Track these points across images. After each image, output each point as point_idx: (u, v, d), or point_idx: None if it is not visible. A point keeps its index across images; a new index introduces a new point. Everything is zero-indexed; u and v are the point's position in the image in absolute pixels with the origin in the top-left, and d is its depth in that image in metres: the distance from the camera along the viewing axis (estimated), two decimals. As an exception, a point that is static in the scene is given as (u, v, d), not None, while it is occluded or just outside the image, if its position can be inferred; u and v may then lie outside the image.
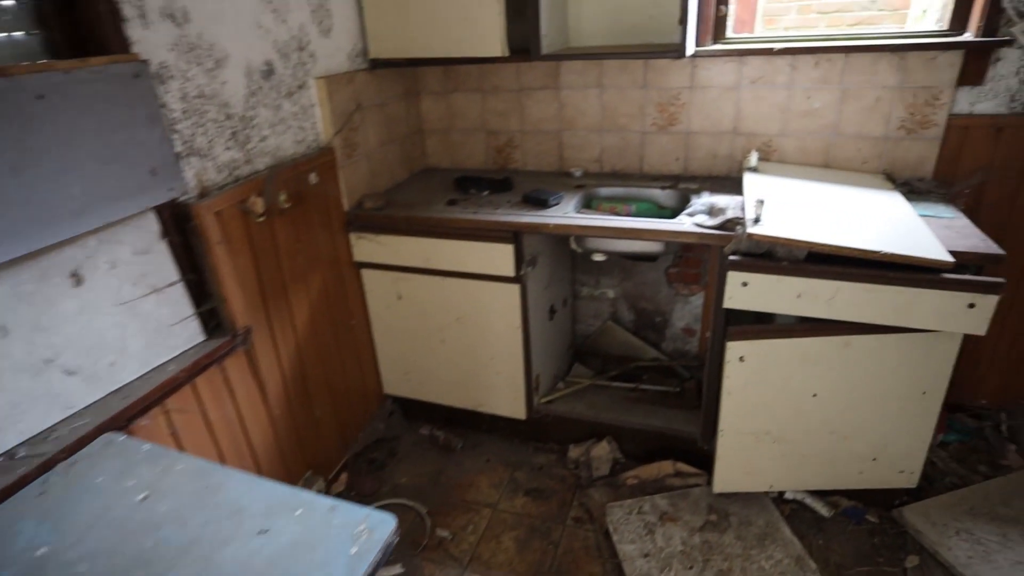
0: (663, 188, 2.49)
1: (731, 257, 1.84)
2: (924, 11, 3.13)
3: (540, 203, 2.31)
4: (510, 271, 2.25)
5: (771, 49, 2.28)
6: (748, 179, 2.25)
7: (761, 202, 1.82)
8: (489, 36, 2.11)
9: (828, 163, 2.42)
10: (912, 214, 1.98)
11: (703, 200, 2.15)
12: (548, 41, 2.29)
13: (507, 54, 2.11)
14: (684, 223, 2.05)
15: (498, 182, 2.59)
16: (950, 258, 1.64)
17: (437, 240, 2.32)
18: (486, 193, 2.53)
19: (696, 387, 2.84)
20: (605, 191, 2.55)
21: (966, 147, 2.25)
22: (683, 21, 2.04)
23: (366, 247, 2.45)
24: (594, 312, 3.09)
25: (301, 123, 2.20)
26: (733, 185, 2.43)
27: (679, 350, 3.02)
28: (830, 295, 1.77)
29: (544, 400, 2.64)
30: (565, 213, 2.23)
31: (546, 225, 2.13)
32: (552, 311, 2.67)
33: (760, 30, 4.16)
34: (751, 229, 1.78)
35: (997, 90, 2.17)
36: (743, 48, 2.33)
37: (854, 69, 2.26)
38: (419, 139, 2.95)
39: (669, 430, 2.43)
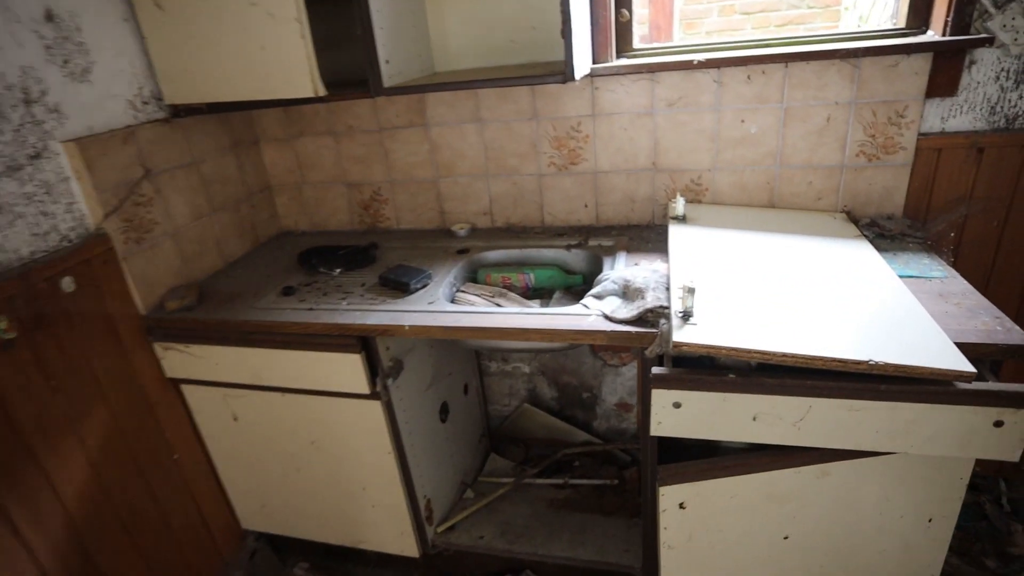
0: (569, 247, 1.92)
1: (655, 369, 1.27)
2: (858, 8, 2.69)
3: (400, 287, 1.71)
4: (363, 387, 1.64)
5: (690, 62, 1.74)
6: (674, 235, 1.70)
7: (691, 290, 1.26)
8: (296, 72, 1.50)
9: (773, 202, 1.90)
10: (891, 277, 1.46)
11: (616, 274, 1.58)
12: (396, 69, 1.69)
13: (321, 93, 1.50)
14: (590, 313, 1.47)
15: (358, 253, 1.98)
16: (968, 366, 1.11)
17: (263, 350, 1.68)
18: (338, 272, 1.91)
19: (638, 476, 2.29)
20: (494, 255, 1.97)
21: (940, 174, 1.76)
22: (566, 34, 1.47)
23: (178, 360, 1.80)
24: (508, 390, 2.50)
25: (43, 208, 1.53)
26: (657, 238, 1.89)
27: (614, 429, 2.46)
28: (798, 416, 1.23)
29: (443, 528, 2.03)
30: (430, 302, 1.63)
31: (400, 327, 1.52)
32: (445, 410, 2.06)
33: (680, 37, 3.69)
34: (679, 335, 1.22)
35: (973, 101, 1.68)
36: (653, 62, 1.79)
37: (796, 82, 1.74)
38: (266, 199, 2.31)
39: (602, 564, 1.85)
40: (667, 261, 1.66)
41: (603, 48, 1.84)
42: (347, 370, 1.63)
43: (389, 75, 1.66)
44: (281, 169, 2.28)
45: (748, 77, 1.77)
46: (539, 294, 1.90)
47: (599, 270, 1.85)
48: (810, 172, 1.84)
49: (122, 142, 1.71)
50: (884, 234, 1.74)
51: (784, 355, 1.15)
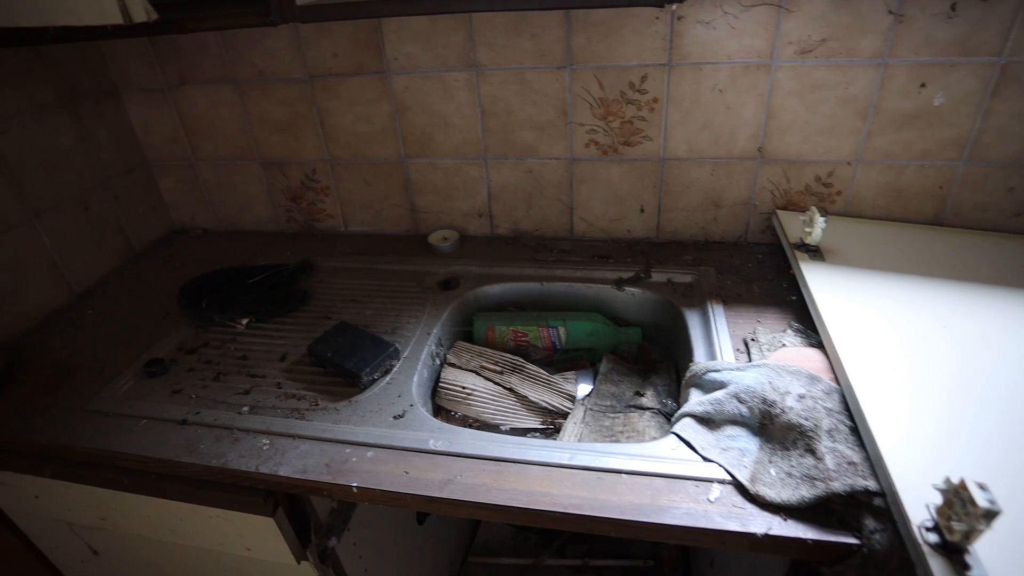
0: (620, 283, 1.20)
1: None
2: None
3: (343, 374, 0.97)
4: (285, 555, 0.93)
5: (858, -25, 0.97)
6: (816, 285, 0.99)
7: (989, 514, 0.56)
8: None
9: (942, 217, 1.19)
10: None
11: (735, 375, 0.87)
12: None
13: (139, 19, 0.68)
14: (704, 479, 0.77)
15: (278, 284, 1.23)
16: None
17: (113, 492, 0.95)
18: (244, 324, 1.15)
19: (681, 556, 1.71)
20: (499, 291, 1.23)
21: None
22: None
23: (-29, 479, 1.05)
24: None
25: None
26: (762, 273, 1.17)
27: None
28: None
29: None
30: (397, 415, 0.90)
31: (343, 488, 0.79)
32: (422, 515, 1.38)
33: None
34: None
35: None
36: (788, -26, 1.01)
37: (1034, 18, 0.99)
38: (140, 183, 1.49)
39: None
40: (806, 337, 0.95)
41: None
42: (257, 534, 0.92)
43: (310, -16, 0.85)
44: (160, 138, 1.45)
45: (952, 8, 1.01)
46: (572, 357, 1.19)
47: (671, 324, 1.13)
48: (1016, 173, 1.12)
49: None
50: None
51: None
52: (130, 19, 0.64)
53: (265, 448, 0.86)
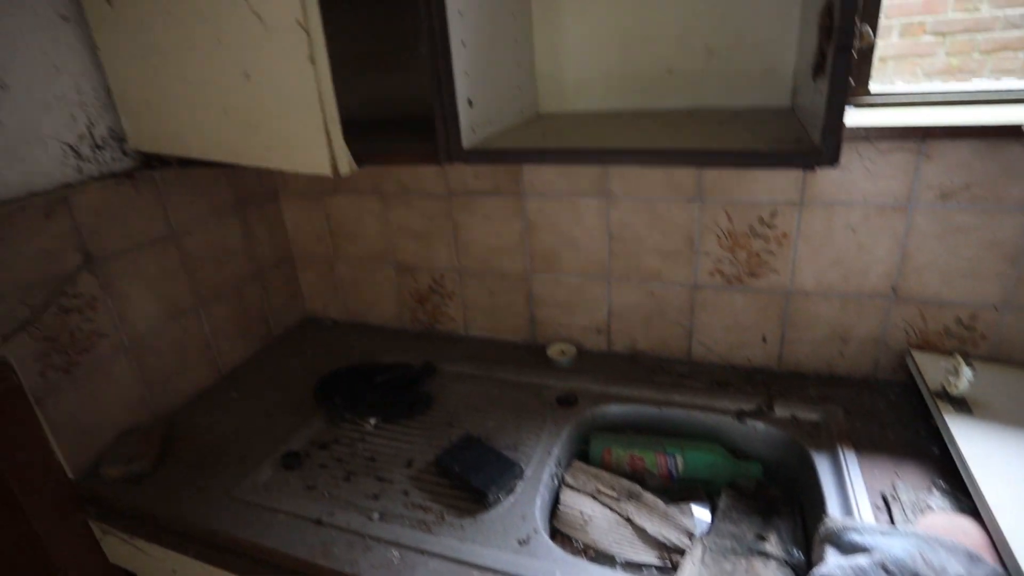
0: (740, 415, 1.17)
1: None
2: None
3: (469, 490, 1.00)
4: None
5: (1018, 127, 0.96)
6: (966, 446, 0.93)
7: None
8: (301, 127, 0.79)
9: (1105, 367, 1.10)
10: None
11: (863, 534, 0.82)
12: (484, 115, 0.99)
13: (345, 172, 0.78)
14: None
15: (404, 386, 1.30)
16: None
17: (237, 579, 1.01)
18: (372, 424, 1.22)
19: None
20: (617, 412, 1.24)
21: None
22: (831, 54, 0.73)
23: (124, 550, 1.15)
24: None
25: None
26: (896, 417, 1.12)
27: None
28: None
29: None
30: (522, 539, 0.91)
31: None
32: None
33: (885, 82, 2.85)
34: None
35: None
36: (929, 126, 1.02)
37: None
38: (285, 275, 1.65)
39: None
40: (955, 500, 0.89)
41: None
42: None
43: (472, 125, 0.95)
44: (308, 235, 1.62)
45: (1109, 160, 0.98)
46: (688, 486, 1.17)
47: (795, 464, 1.09)
48: None
49: (44, 215, 1.07)
50: None
51: None
52: (337, 173, 0.75)
53: (395, 562, 0.89)
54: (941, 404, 1.04)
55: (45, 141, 1.10)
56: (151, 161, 1.24)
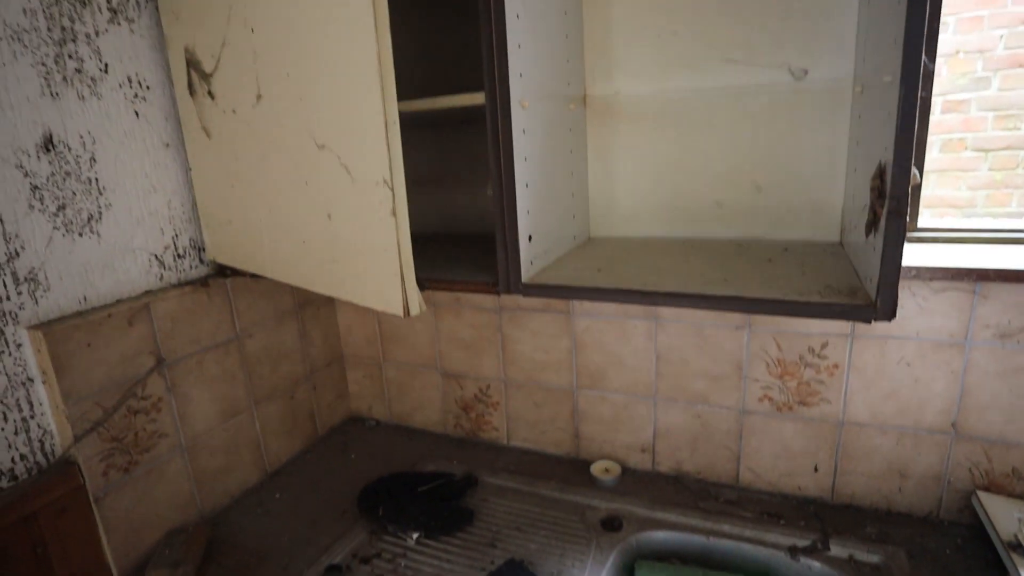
0: (793, 551, 1.13)
1: None
2: None
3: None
4: None
5: (1066, 279, 0.97)
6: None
7: None
8: (377, 268, 0.85)
9: None
10: None
11: None
12: (542, 246, 1.04)
13: (415, 312, 0.83)
14: None
15: (446, 497, 1.29)
16: None
17: None
18: (415, 538, 1.21)
19: None
20: (662, 538, 1.20)
21: None
22: (885, 216, 0.76)
23: (153, 655, 1.14)
24: None
25: (-32, 436, 0.97)
26: (965, 567, 1.05)
27: None
28: None
29: None
30: None
31: None
32: None
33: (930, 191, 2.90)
34: None
35: None
36: (983, 268, 1.03)
37: None
38: (334, 375, 1.70)
39: None
40: None
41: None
42: None
43: (531, 258, 1.01)
44: (359, 338, 1.67)
45: None
46: (738, 629, 1.11)
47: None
48: None
49: (127, 322, 1.15)
50: None
51: None
52: (408, 312, 0.80)
53: None
54: (1016, 559, 0.98)
55: (135, 252, 1.20)
56: (224, 270, 1.33)
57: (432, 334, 1.56)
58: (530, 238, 1.00)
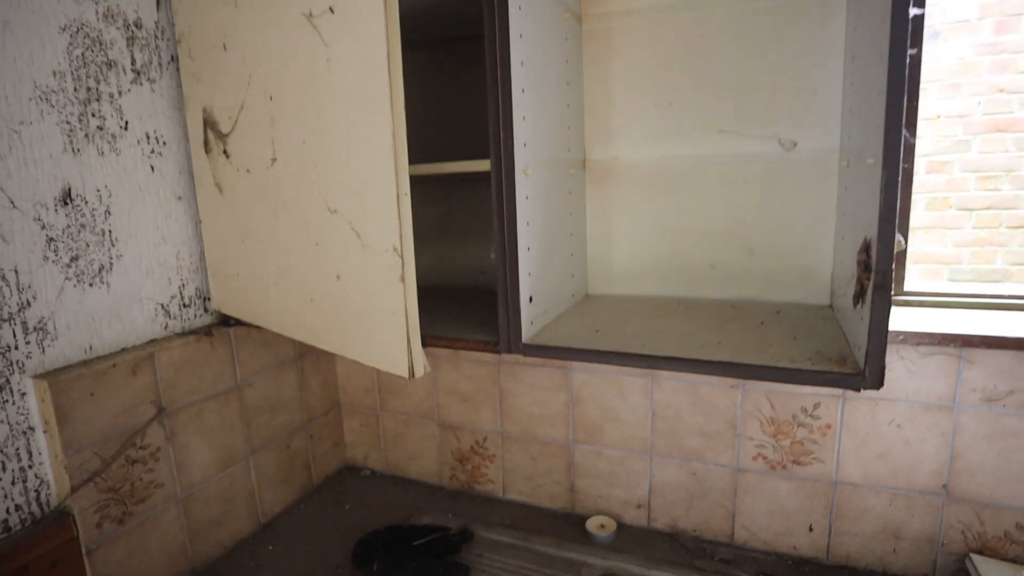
0: (792, 614, 1.12)
1: None
2: None
3: None
4: None
5: (1049, 347, 1.00)
6: None
7: None
8: (383, 331, 0.88)
9: None
10: None
11: None
12: (541, 306, 1.07)
13: (419, 374, 0.86)
14: None
15: (442, 553, 1.28)
16: None
17: None
18: (408, 596, 1.20)
19: None
20: (661, 601, 1.20)
21: None
22: (871, 290, 0.80)
23: None
24: None
25: (-34, 487, 0.97)
26: (966, 637, 1.05)
27: None
28: None
29: None
30: None
31: None
32: None
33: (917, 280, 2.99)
34: None
35: None
36: (968, 335, 1.07)
37: None
38: (331, 424, 1.70)
39: None
40: None
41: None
42: None
43: (531, 318, 1.04)
44: (357, 387, 1.69)
45: None
46: None
47: None
48: None
49: (131, 372, 1.16)
50: None
51: None
52: (413, 374, 0.83)
53: None
54: (1007, 625, 0.98)
55: (143, 302, 1.22)
56: (228, 319, 1.36)
57: (431, 386, 1.57)
58: (531, 299, 1.03)
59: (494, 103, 0.92)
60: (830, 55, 1.11)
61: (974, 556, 1.14)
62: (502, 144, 0.93)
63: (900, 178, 0.76)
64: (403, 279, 0.78)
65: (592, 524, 1.37)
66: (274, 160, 1.00)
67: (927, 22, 2.66)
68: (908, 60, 0.71)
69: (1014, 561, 1.10)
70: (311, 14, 0.84)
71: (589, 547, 1.33)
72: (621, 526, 1.39)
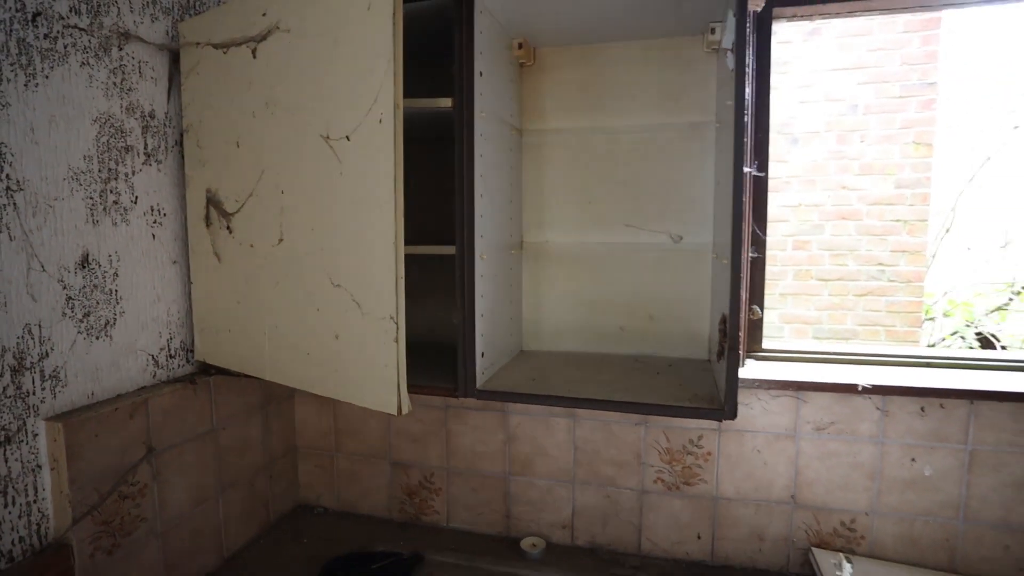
0: (684, 604, 1.43)
1: None
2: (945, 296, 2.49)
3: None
4: None
5: (853, 386, 1.40)
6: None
7: None
8: (376, 381, 1.13)
9: (955, 565, 1.44)
10: None
11: None
12: (490, 360, 1.36)
13: (406, 412, 1.12)
14: None
15: (397, 567, 1.48)
16: None
17: None
18: (371, 609, 1.40)
19: None
20: (583, 601, 1.47)
21: None
22: (726, 350, 1.14)
23: None
24: None
25: (-12, 517, 1.10)
26: (807, 611, 1.39)
27: None
28: None
29: None
30: None
31: None
32: None
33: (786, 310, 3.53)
34: None
35: None
36: (802, 381, 1.46)
37: (986, 423, 1.39)
38: (287, 466, 1.87)
39: None
40: None
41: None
42: None
43: (482, 369, 1.32)
44: (313, 431, 1.87)
45: (922, 409, 1.42)
46: (642, 673, 1.37)
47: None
48: (1007, 534, 1.40)
49: (128, 415, 1.32)
50: None
51: None
52: (400, 412, 1.07)
53: None
54: (833, 597, 1.33)
55: (137, 353, 1.39)
56: (209, 368, 1.53)
57: (383, 429, 1.79)
58: (483, 354, 1.32)
59: (460, 205, 1.23)
60: (705, 175, 1.52)
61: (814, 549, 1.50)
62: (465, 236, 1.23)
63: (747, 271, 1.12)
64: (396, 340, 1.04)
65: (525, 544, 1.63)
66: (281, 240, 1.24)
67: (788, 129, 3.27)
68: (752, 185, 1.09)
69: (841, 550, 1.47)
70: (329, 136, 1.11)
71: (523, 563, 1.58)
72: (550, 544, 1.66)
